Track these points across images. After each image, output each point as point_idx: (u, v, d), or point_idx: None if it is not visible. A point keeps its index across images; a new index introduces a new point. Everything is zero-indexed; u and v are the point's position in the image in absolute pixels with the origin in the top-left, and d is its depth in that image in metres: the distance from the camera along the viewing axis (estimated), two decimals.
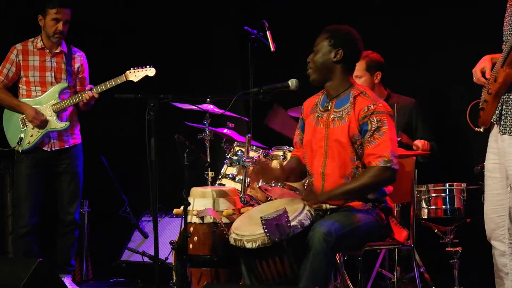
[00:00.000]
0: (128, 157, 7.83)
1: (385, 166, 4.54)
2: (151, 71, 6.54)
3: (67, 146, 6.63)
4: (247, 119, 6.75)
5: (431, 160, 6.10)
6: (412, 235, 5.16)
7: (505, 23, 4.67)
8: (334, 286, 5.04)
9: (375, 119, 4.59)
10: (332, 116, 4.73)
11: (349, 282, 5.65)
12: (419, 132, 6.34)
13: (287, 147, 5.94)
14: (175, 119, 6.69)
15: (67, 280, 6.52)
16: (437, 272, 6.23)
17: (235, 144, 6.21)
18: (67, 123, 6.56)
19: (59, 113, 6.54)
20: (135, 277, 7.24)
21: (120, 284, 7.34)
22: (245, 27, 6.54)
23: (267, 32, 6.44)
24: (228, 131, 6.58)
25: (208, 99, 6.34)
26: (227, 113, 6.05)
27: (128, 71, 6.51)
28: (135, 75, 6.50)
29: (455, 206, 5.83)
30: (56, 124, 6.53)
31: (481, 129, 4.81)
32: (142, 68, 6.53)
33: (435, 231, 5.98)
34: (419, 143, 6.17)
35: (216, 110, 6.43)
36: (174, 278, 4.74)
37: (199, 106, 6.34)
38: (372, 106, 4.62)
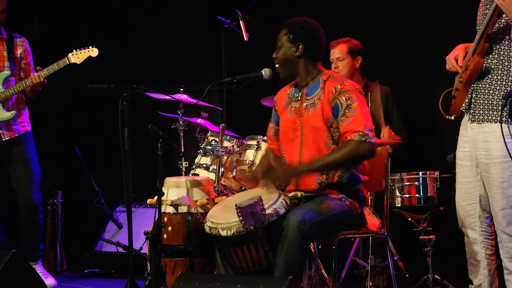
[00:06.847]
0: (101, 147, 7.80)
1: (361, 140, 4.55)
2: (93, 52, 6.42)
3: (17, 135, 6.54)
4: (221, 109, 6.74)
5: (399, 152, 6.11)
6: (385, 223, 5.19)
7: (478, 13, 4.73)
8: (308, 275, 5.04)
9: (343, 98, 4.61)
10: (304, 104, 4.75)
11: (323, 271, 5.68)
12: (394, 120, 6.37)
13: (261, 137, 5.94)
14: (149, 109, 6.67)
15: (38, 268, 6.47)
16: (411, 260, 6.26)
17: (209, 134, 6.21)
18: (13, 112, 6.47)
19: (4, 103, 6.44)
20: (110, 268, 7.24)
21: (94, 275, 7.33)
22: (218, 17, 6.52)
23: (240, 22, 6.43)
24: (201, 121, 6.57)
25: (182, 89, 6.32)
26: (201, 102, 6.03)
27: (70, 54, 6.37)
28: (78, 56, 6.38)
29: (429, 195, 5.86)
30: (2, 114, 6.43)
31: (452, 117, 4.85)
32: (85, 49, 6.40)
33: (409, 219, 6.00)
34: (386, 132, 6.19)
35: (190, 100, 6.41)
36: (149, 268, 4.71)
37: (173, 96, 6.33)
38: (338, 86, 4.65)
